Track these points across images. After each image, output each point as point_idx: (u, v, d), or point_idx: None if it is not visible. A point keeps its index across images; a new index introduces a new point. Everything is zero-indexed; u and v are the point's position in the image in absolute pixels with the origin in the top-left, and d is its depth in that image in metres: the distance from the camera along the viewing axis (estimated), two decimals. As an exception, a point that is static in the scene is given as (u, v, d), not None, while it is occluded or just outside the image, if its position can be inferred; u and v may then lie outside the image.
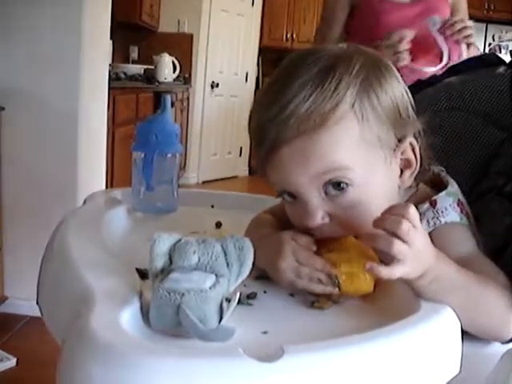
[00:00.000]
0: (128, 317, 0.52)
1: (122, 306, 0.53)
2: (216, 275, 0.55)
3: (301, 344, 0.50)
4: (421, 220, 0.62)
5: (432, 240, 0.62)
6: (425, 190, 0.77)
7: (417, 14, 1.77)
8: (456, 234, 0.71)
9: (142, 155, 0.95)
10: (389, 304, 0.63)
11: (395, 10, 1.79)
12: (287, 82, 0.66)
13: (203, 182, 5.73)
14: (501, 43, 5.76)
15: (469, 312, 0.61)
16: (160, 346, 0.49)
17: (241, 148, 6.23)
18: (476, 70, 1.01)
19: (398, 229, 0.57)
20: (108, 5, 3.10)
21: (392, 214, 0.58)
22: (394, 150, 0.70)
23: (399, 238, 0.57)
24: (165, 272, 0.55)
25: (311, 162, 0.65)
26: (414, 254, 0.58)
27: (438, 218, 0.71)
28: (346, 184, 0.66)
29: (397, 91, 0.70)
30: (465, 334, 0.62)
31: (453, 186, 0.76)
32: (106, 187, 3.13)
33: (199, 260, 0.55)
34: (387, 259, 0.58)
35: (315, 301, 0.64)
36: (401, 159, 0.71)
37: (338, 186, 0.66)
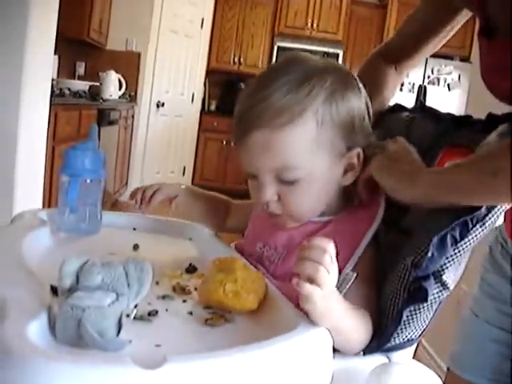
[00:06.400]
0: (35, 328, 0.59)
1: (31, 318, 0.60)
2: (117, 294, 0.62)
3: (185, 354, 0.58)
4: None
5: None
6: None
7: None
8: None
9: (68, 179, 1.01)
10: (273, 322, 0.72)
11: None
12: (268, 81, 0.82)
13: (145, 200, 5.72)
14: (439, 76, 6.03)
15: (340, 335, 0.71)
16: (57, 353, 0.56)
17: (184, 167, 6.29)
18: (390, 116, 1.12)
19: (322, 259, 0.66)
20: (54, 19, 3.12)
21: (315, 245, 0.67)
22: (342, 155, 0.85)
23: (324, 267, 0.66)
24: (71, 290, 0.62)
25: (271, 154, 0.81)
26: (330, 282, 0.67)
27: None
28: (293, 180, 0.82)
29: (356, 107, 0.85)
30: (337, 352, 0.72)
31: None
32: (44, 202, 3.13)
33: (102, 280, 0.63)
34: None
35: (209, 318, 0.72)
36: (347, 163, 0.86)
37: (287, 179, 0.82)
